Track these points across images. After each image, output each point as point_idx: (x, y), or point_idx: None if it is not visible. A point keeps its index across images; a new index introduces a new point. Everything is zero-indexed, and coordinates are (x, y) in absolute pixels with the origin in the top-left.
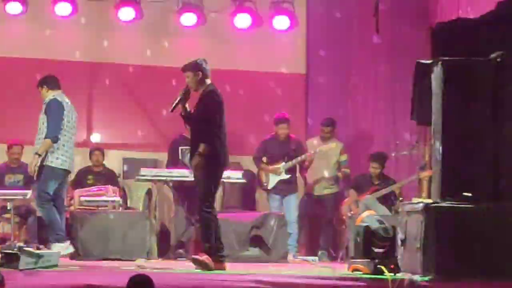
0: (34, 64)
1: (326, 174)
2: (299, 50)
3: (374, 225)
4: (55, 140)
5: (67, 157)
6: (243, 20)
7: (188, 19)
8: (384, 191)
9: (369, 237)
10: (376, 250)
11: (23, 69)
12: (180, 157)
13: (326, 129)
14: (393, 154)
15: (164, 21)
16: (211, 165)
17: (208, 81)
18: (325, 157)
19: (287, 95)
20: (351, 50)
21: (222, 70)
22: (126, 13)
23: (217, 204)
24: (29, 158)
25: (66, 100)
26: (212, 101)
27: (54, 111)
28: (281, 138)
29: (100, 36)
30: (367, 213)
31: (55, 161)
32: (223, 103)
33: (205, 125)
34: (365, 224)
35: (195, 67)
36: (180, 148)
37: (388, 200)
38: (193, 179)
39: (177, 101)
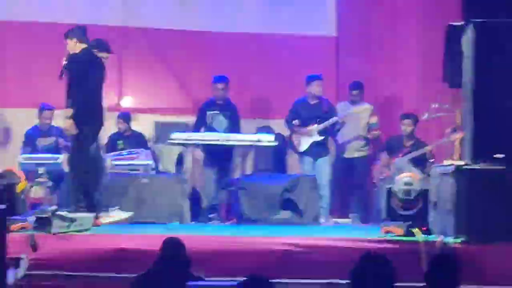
0: (60, 30)
1: (357, 135)
2: (329, 12)
3: (398, 187)
4: None
5: None
6: None
7: None
8: (416, 153)
9: (390, 198)
10: (405, 212)
11: (53, 34)
12: (208, 121)
13: (354, 92)
14: (424, 117)
15: None
16: None
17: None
18: (355, 120)
19: (317, 58)
20: (381, 12)
21: (250, 34)
22: None
23: (248, 168)
24: (60, 122)
25: None
26: None
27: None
28: (313, 99)
29: (130, 0)
30: (405, 175)
31: None
32: None
33: None
34: (389, 186)
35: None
36: (208, 112)
37: (420, 163)
38: (224, 143)
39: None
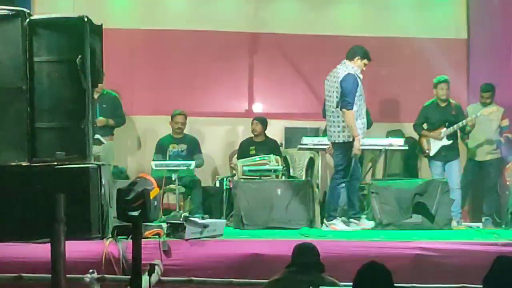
0: (195, 36)
1: (488, 138)
2: (460, 15)
3: None
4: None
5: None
6: None
7: None
8: None
9: None
10: None
11: (185, 41)
12: None
13: (485, 95)
14: None
15: None
16: None
17: None
18: (486, 122)
19: (448, 61)
20: None
21: (381, 38)
22: None
23: (379, 172)
24: (190, 129)
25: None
26: None
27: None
28: (441, 102)
29: (260, 6)
30: None
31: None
32: None
33: None
34: None
35: None
36: None
37: None
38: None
39: None
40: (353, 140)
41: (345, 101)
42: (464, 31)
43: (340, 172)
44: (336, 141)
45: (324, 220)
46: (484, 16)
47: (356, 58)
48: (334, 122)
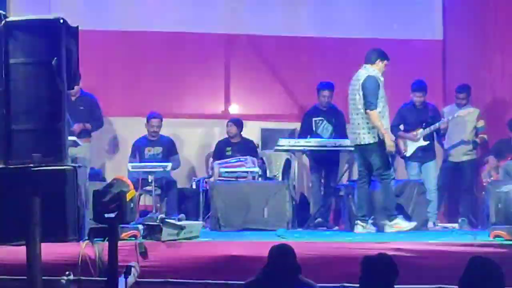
0: (171, 37)
1: (464, 139)
2: (436, 16)
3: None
4: None
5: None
6: None
7: None
8: None
9: (510, 203)
10: None
11: (160, 42)
12: (313, 128)
13: (461, 96)
14: None
15: None
16: None
17: None
18: (462, 123)
19: (424, 62)
20: (488, 15)
21: (356, 39)
22: None
23: (355, 173)
24: (166, 131)
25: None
26: None
27: None
28: (418, 105)
29: (236, 8)
30: None
31: None
32: None
33: None
34: (506, 190)
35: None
36: (313, 119)
37: None
38: (330, 148)
39: None
40: (380, 139)
41: (368, 102)
42: (439, 32)
43: (381, 170)
44: (363, 143)
45: (385, 221)
46: (459, 17)
47: (378, 61)
48: (359, 124)
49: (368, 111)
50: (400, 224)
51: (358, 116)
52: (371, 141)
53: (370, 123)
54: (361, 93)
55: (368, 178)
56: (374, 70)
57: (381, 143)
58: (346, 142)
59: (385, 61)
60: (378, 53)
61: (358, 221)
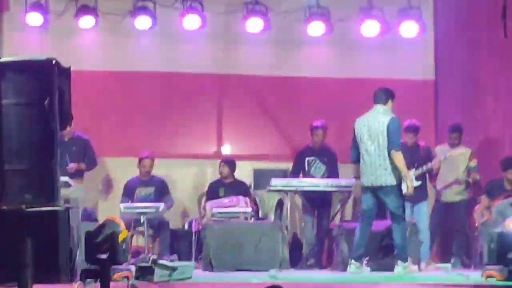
0: (163, 78)
1: (457, 179)
2: (427, 56)
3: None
4: None
5: None
6: (371, 28)
7: (315, 28)
8: None
9: (503, 243)
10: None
11: (153, 83)
12: (306, 168)
13: (453, 135)
14: None
15: (291, 31)
16: None
17: None
18: (454, 163)
19: (416, 102)
20: (480, 55)
21: (350, 79)
22: (254, 25)
23: (349, 213)
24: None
25: None
26: None
27: None
28: (410, 145)
29: (228, 48)
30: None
31: None
32: None
33: None
34: (499, 230)
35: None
36: (306, 159)
37: None
38: (323, 189)
39: None
40: (400, 181)
41: (393, 143)
42: (431, 72)
43: (401, 211)
44: (384, 184)
45: (399, 264)
46: (451, 57)
47: (389, 101)
48: (380, 165)
49: (393, 151)
50: (411, 267)
51: (379, 158)
52: (393, 183)
53: (393, 165)
54: (385, 134)
55: (373, 219)
56: (389, 110)
57: (399, 185)
58: (341, 182)
59: (394, 100)
60: (389, 93)
61: (353, 261)
